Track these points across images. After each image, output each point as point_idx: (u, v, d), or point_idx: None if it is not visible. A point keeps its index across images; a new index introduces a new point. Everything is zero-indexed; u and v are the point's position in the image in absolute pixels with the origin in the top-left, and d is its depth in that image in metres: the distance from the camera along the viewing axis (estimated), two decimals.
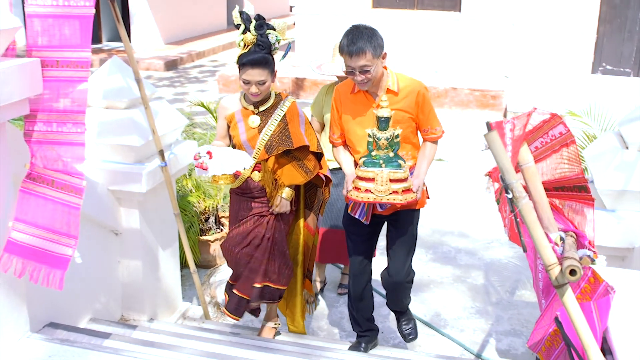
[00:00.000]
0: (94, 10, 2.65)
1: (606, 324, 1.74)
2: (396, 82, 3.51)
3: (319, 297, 4.84)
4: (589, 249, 1.99)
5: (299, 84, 11.20)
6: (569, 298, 1.56)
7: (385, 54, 3.42)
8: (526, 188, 1.94)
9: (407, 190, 3.42)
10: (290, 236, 4.00)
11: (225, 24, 18.95)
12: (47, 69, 2.63)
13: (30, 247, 2.71)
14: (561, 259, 1.67)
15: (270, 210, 3.71)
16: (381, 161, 3.40)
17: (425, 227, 6.03)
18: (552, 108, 5.62)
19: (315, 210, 4.01)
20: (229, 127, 3.67)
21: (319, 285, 4.89)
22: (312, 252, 4.09)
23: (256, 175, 3.66)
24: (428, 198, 3.82)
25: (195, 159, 3.34)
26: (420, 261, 5.39)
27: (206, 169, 3.32)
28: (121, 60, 3.79)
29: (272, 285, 3.77)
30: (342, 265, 5.06)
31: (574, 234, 1.97)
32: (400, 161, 3.41)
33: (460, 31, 11.45)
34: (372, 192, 3.40)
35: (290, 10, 14.50)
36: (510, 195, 1.58)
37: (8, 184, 2.61)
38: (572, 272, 1.54)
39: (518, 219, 1.65)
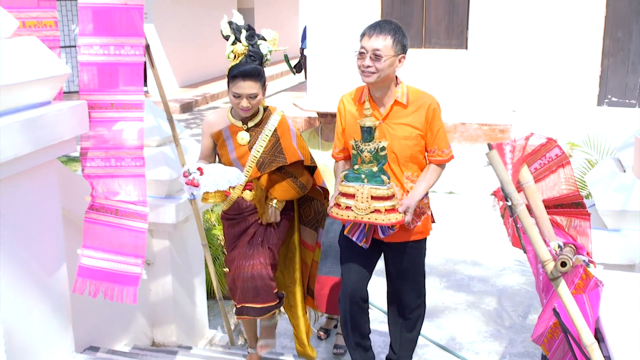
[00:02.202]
0: (144, 58, 2.97)
1: (597, 313, 1.97)
2: (406, 94, 3.24)
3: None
4: (589, 259, 2.22)
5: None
6: (563, 289, 1.79)
7: (404, 58, 3.20)
8: (528, 205, 2.18)
9: (392, 209, 3.08)
10: (286, 255, 3.78)
11: None
12: (102, 110, 2.95)
13: (101, 270, 3.01)
14: (555, 257, 1.91)
15: (259, 221, 3.46)
16: (363, 176, 3.10)
17: (438, 256, 6.25)
18: (560, 140, 5.90)
19: (312, 224, 3.76)
20: (215, 145, 3.45)
21: (332, 323, 4.70)
22: (312, 271, 3.85)
23: (248, 195, 3.44)
24: (434, 222, 3.52)
25: (185, 176, 3.14)
26: (435, 289, 5.58)
27: (197, 186, 3.14)
28: (152, 102, 4.09)
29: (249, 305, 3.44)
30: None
31: (573, 246, 2.19)
32: (384, 177, 3.09)
33: (468, 68, 11.76)
34: (352, 210, 3.10)
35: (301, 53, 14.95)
36: (509, 203, 1.82)
37: (58, 216, 2.87)
38: (563, 264, 1.78)
39: (518, 225, 1.88)
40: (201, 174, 3.13)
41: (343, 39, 11.50)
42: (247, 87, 3.22)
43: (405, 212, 3.14)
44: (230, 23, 3.31)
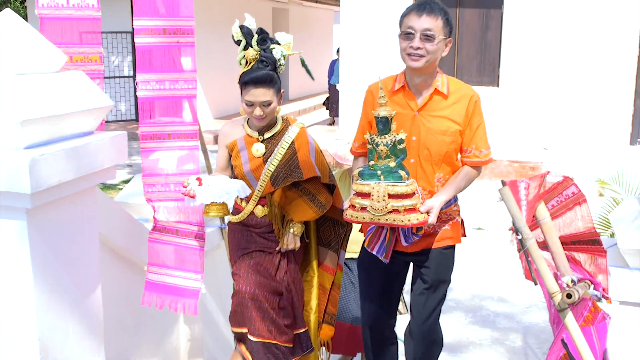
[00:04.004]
0: (196, 91, 3.21)
1: (605, 345, 2.03)
2: (446, 84, 2.94)
3: None
4: (603, 295, 2.28)
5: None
6: (570, 320, 1.86)
7: (450, 42, 2.92)
8: (544, 241, 2.26)
9: (412, 209, 2.73)
10: (302, 279, 3.47)
11: None
12: (160, 140, 3.27)
13: (165, 284, 3.31)
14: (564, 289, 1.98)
15: (277, 248, 3.24)
16: (379, 172, 2.75)
17: (465, 291, 6.27)
18: (591, 178, 5.90)
19: (333, 246, 3.46)
20: (230, 156, 3.27)
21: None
22: (332, 293, 3.51)
23: (259, 210, 3.23)
24: (464, 236, 3.19)
25: (184, 187, 2.99)
26: (460, 324, 5.60)
27: (194, 197, 2.96)
28: None
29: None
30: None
31: (589, 281, 2.26)
32: (402, 172, 2.74)
33: (499, 105, 11.82)
34: (367, 211, 2.77)
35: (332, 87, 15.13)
36: (519, 237, 1.90)
37: (95, 240, 3.01)
38: (569, 296, 1.84)
39: (529, 258, 1.96)
40: (200, 184, 2.97)
41: (376, 73, 11.63)
42: (260, 94, 3.04)
43: (427, 213, 2.80)
44: (241, 27, 3.11)
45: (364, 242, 3.12)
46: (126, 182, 9.36)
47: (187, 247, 3.32)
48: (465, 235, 3.21)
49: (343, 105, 12.74)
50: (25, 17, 16.78)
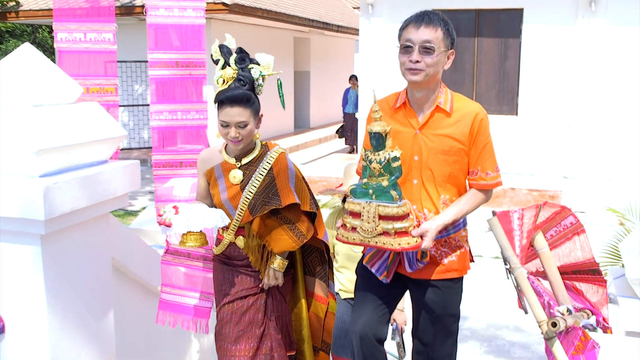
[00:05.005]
0: (207, 121, 3.36)
1: None
2: (450, 101, 2.76)
3: None
4: (603, 325, 2.30)
5: None
6: (557, 348, 1.88)
7: (453, 54, 2.76)
8: (543, 271, 2.29)
9: (403, 232, 2.54)
10: (291, 310, 3.36)
11: (292, 127, 19.87)
12: (172, 168, 3.43)
13: (178, 304, 3.44)
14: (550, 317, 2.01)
15: (261, 285, 3.09)
16: (371, 191, 2.57)
17: (480, 320, 6.25)
18: (613, 207, 5.83)
19: (321, 276, 3.33)
20: (209, 184, 3.12)
21: None
22: (327, 322, 3.37)
23: (240, 241, 3.08)
24: (472, 261, 2.97)
25: (159, 215, 2.90)
26: (475, 353, 5.57)
27: (169, 225, 2.86)
28: None
29: None
30: None
31: (588, 311, 2.28)
32: (394, 192, 2.55)
33: (518, 134, 11.82)
34: (357, 232, 2.59)
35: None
36: (507, 266, 1.93)
37: (108, 265, 3.09)
38: (554, 325, 1.87)
39: (519, 287, 1.99)
40: (176, 212, 2.85)
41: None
42: (235, 114, 2.88)
43: (421, 237, 2.61)
44: (221, 46, 3.01)
45: (362, 257, 2.95)
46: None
47: (198, 269, 3.45)
48: (473, 261, 2.99)
49: (363, 133, 12.80)
50: (52, 47, 17.12)
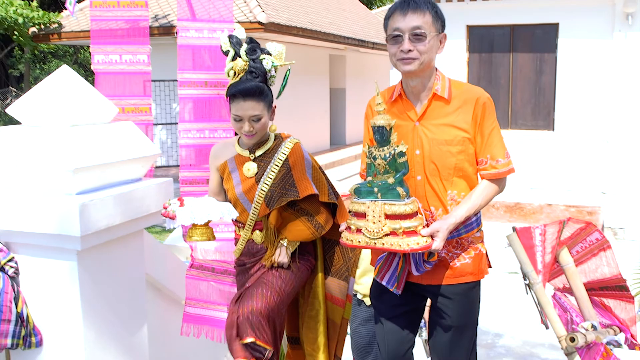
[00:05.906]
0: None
1: None
2: (447, 87, 2.57)
3: None
4: (632, 341, 2.28)
5: None
6: None
7: (445, 37, 2.57)
8: (569, 287, 2.29)
9: (412, 232, 2.36)
10: (308, 314, 3.17)
11: (328, 144, 19.92)
12: (199, 185, 3.50)
13: (202, 316, 3.53)
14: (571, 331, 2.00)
15: (266, 264, 2.97)
16: (376, 189, 2.41)
17: (516, 338, 6.18)
18: None
19: (341, 274, 3.17)
20: (222, 179, 3.04)
21: None
22: (341, 330, 3.21)
23: (258, 236, 2.98)
24: (490, 267, 2.72)
25: (164, 208, 2.81)
26: None
27: (173, 218, 2.77)
28: None
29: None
30: None
31: (616, 327, 2.26)
32: (400, 189, 2.39)
33: (555, 149, 11.69)
34: (362, 233, 2.40)
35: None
36: (527, 282, 1.94)
37: (142, 280, 3.17)
38: (572, 340, 1.86)
39: (538, 302, 1.99)
40: (181, 205, 2.77)
41: None
42: (249, 107, 2.79)
43: (432, 237, 2.42)
44: (230, 37, 2.92)
45: (375, 272, 2.73)
46: None
47: (222, 282, 3.52)
48: (491, 266, 2.73)
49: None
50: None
